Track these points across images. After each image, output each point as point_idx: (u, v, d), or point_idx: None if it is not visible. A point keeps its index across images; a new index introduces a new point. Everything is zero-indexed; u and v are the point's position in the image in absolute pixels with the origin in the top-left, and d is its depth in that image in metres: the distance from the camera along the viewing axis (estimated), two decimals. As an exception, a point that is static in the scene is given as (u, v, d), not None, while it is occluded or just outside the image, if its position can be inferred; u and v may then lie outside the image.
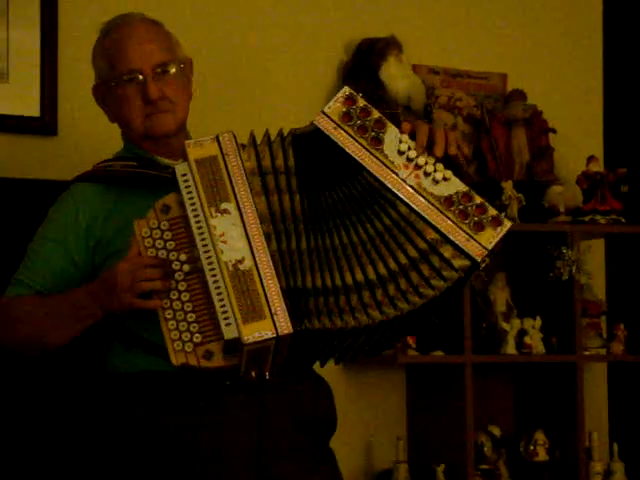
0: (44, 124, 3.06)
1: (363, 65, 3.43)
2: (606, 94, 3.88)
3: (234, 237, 2.04)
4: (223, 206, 2.06)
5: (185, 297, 2.06)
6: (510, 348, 3.48)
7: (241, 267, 2.03)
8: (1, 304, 2.22)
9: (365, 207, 2.09)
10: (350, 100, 2.14)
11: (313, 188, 2.11)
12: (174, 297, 2.06)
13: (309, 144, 2.14)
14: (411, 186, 2.08)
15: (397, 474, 3.36)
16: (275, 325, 2.00)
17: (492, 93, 3.69)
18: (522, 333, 3.51)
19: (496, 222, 2.07)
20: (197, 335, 2.04)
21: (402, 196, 2.08)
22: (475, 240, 2.05)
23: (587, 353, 3.54)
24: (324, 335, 2.06)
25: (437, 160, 2.10)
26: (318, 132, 2.12)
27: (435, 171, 2.09)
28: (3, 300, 2.23)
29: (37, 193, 2.88)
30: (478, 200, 2.08)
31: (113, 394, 2.22)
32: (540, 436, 3.52)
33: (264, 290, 2.02)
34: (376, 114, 2.13)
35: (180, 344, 2.03)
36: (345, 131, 2.12)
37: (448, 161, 2.12)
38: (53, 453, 2.70)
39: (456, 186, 2.09)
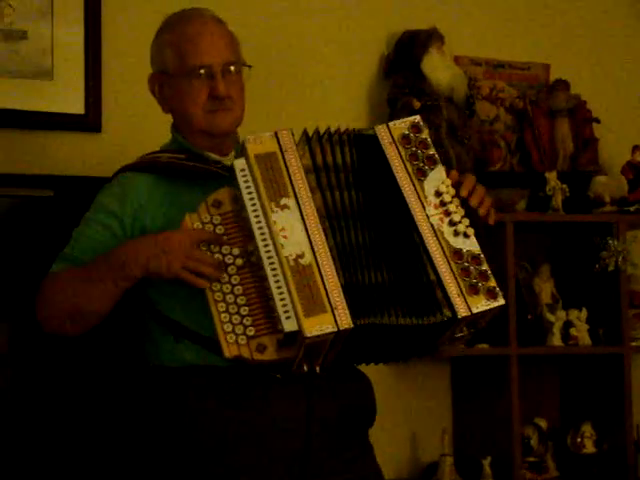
0: (88, 121, 3.08)
1: (405, 57, 3.42)
2: (651, 83, 3.85)
3: (294, 232, 2.07)
4: (283, 201, 2.09)
5: (238, 290, 2.08)
6: (556, 340, 3.46)
7: (301, 261, 2.06)
8: (44, 282, 2.21)
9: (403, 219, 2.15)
10: (416, 128, 2.21)
11: (365, 186, 2.15)
12: (227, 290, 2.07)
13: (364, 146, 2.19)
14: (432, 225, 2.14)
15: (443, 467, 3.35)
16: (336, 319, 2.03)
17: (535, 83, 3.67)
18: (568, 325, 3.49)
19: (491, 294, 2.11)
20: (250, 328, 2.06)
21: (420, 229, 2.13)
22: (465, 299, 2.09)
23: (634, 344, 3.52)
24: (381, 331, 2.09)
25: (468, 216, 2.15)
26: (374, 139, 2.18)
27: (460, 223, 2.14)
28: (47, 278, 2.22)
29: (82, 190, 2.90)
30: (484, 267, 2.13)
31: (162, 388, 2.22)
32: (587, 428, 3.50)
33: (324, 284, 2.05)
34: (432, 151, 2.19)
35: (233, 336, 2.05)
36: (398, 150, 2.18)
37: (477, 219, 2.18)
38: (102, 446, 2.72)
39: (471, 245, 2.14)
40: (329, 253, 2.07)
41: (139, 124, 3.16)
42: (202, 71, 2.26)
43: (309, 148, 2.15)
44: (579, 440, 3.51)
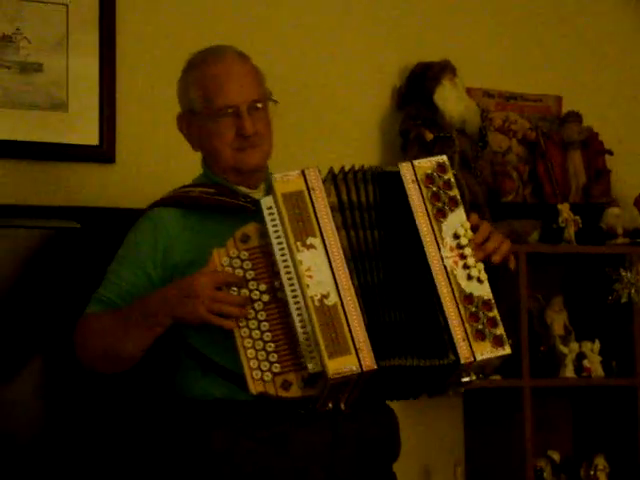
0: (103, 152, 3.09)
1: (417, 89, 3.44)
2: (662, 115, 3.86)
3: (320, 272, 2.08)
4: (309, 241, 2.09)
5: (264, 327, 2.08)
6: (569, 372, 3.45)
7: (326, 302, 2.06)
8: (80, 322, 2.25)
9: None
10: (441, 168, 2.19)
11: (386, 225, 2.16)
12: (253, 326, 2.08)
13: (387, 183, 2.19)
14: (445, 267, 2.13)
15: (456, 499, 3.34)
16: (360, 360, 2.04)
17: (547, 115, 3.68)
18: (581, 356, 3.48)
19: (498, 341, 2.11)
20: (276, 365, 2.07)
21: (432, 270, 2.13)
22: (470, 344, 2.09)
23: (647, 376, 3.51)
24: (397, 372, 2.10)
25: (484, 261, 2.15)
26: (398, 176, 2.18)
27: (474, 267, 2.14)
28: (82, 318, 2.26)
29: (97, 220, 2.91)
30: (494, 313, 2.12)
31: (188, 419, 2.24)
32: (600, 461, 3.49)
33: (348, 325, 2.05)
34: (455, 192, 2.18)
35: (259, 373, 2.06)
36: (420, 189, 2.17)
37: (493, 266, 2.17)
38: (129, 473, 2.75)
39: (483, 291, 2.13)
40: (354, 293, 2.08)
41: (153, 154, 3.18)
42: (229, 111, 2.28)
43: (335, 186, 2.15)
44: (592, 473, 3.50)
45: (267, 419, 2.16)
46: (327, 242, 2.09)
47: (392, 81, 3.52)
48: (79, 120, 3.08)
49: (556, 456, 3.51)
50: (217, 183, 2.33)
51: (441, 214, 2.16)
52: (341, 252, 2.10)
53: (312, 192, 2.12)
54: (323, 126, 3.42)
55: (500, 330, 2.11)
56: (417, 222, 2.15)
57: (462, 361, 2.09)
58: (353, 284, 2.08)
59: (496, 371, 3.33)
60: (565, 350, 3.46)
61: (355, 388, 2.08)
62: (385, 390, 2.20)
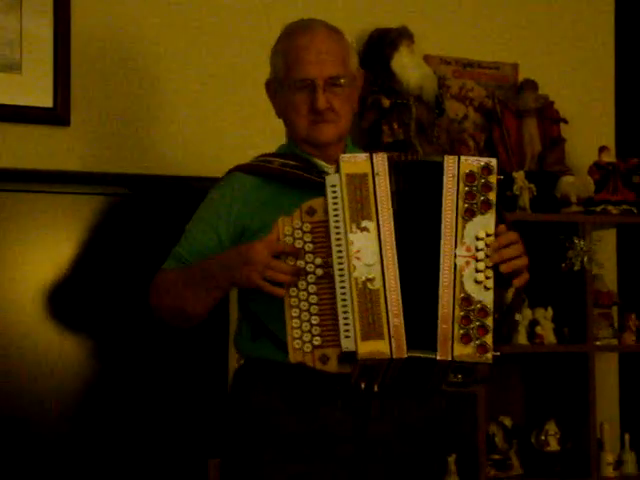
0: (57, 115, 3.06)
1: (375, 55, 3.43)
2: (618, 84, 3.88)
3: (369, 256, 2.11)
4: (364, 224, 2.12)
5: (313, 299, 2.13)
6: (521, 338, 3.48)
7: (370, 286, 2.10)
8: (156, 277, 2.35)
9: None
10: (487, 169, 2.18)
11: (421, 214, 2.17)
12: (303, 297, 2.13)
13: (423, 173, 2.20)
14: (455, 264, 2.14)
15: (409, 464, 3.37)
16: (391, 347, 2.08)
17: (503, 83, 3.69)
18: (533, 323, 3.51)
19: (482, 349, 2.11)
20: (317, 338, 2.12)
21: (440, 265, 2.13)
22: (452, 345, 2.10)
23: (598, 343, 3.55)
24: (434, 365, 2.13)
25: (496, 269, 2.15)
26: (438, 166, 2.18)
27: (483, 272, 2.14)
28: (159, 272, 2.36)
29: (51, 184, 2.90)
30: (488, 322, 2.12)
31: (237, 377, 2.39)
32: (551, 426, 3.53)
33: (387, 312, 2.09)
34: (492, 196, 2.16)
35: (300, 343, 2.12)
36: (457, 185, 2.16)
37: (502, 276, 2.17)
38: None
39: (485, 298, 2.13)
40: (398, 282, 2.11)
41: (107, 118, 3.15)
42: (305, 84, 2.33)
43: (396, 174, 2.16)
44: (543, 438, 3.54)
45: (304, 387, 2.23)
46: (381, 228, 2.13)
47: (349, 47, 3.50)
48: (33, 82, 3.04)
49: (508, 422, 3.54)
50: (297, 155, 2.38)
51: (470, 213, 2.15)
52: (393, 239, 2.12)
53: (376, 177, 2.14)
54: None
55: (488, 339, 2.11)
56: (443, 215, 2.15)
57: (438, 357, 2.10)
58: (399, 272, 2.11)
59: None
60: (518, 317, 3.49)
61: (388, 372, 2.12)
62: (428, 381, 2.22)
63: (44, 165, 3.00)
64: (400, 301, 2.10)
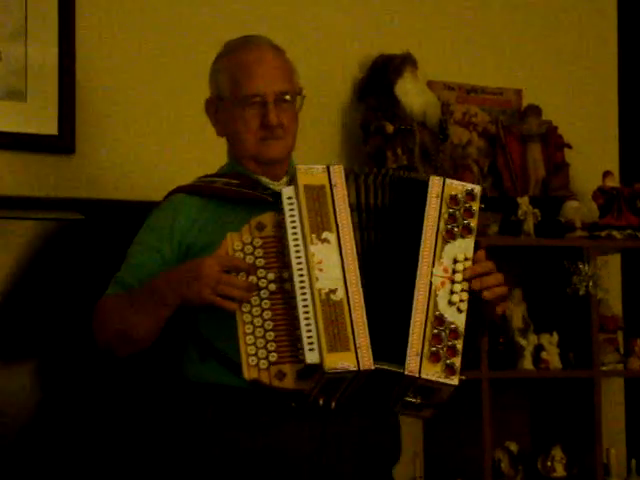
0: (61, 143, 3.07)
1: (378, 81, 3.44)
2: (621, 109, 3.88)
3: (331, 267, 2.09)
4: (325, 235, 2.11)
5: (267, 315, 2.09)
6: (527, 364, 3.47)
7: (333, 297, 2.08)
8: (97, 304, 2.28)
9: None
10: (470, 196, 2.20)
11: (397, 229, 2.17)
12: (256, 313, 2.09)
13: (410, 189, 2.20)
14: (431, 283, 2.13)
15: (414, 490, 3.36)
16: (358, 359, 2.05)
17: (507, 109, 3.69)
18: (539, 348, 3.51)
19: (450, 370, 2.10)
20: (273, 354, 2.07)
21: (416, 281, 2.12)
22: (420, 361, 2.08)
23: (604, 368, 3.54)
24: (399, 380, 2.11)
25: (471, 293, 2.14)
26: (422, 185, 2.18)
27: (458, 294, 2.13)
28: (100, 300, 2.29)
29: (54, 211, 2.90)
30: (458, 345, 2.11)
31: (185, 402, 2.29)
32: (557, 452, 3.52)
33: (352, 323, 2.06)
34: (473, 223, 2.18)
35: (255, 359, 2.07)
36: (440, 206, 2.17)
37: (479, 300, 2.17)
38: (123, 451, 2.85)
39: (456, 320, 2.12)
40: (361, 293, 2.09)
41: (112, 145, 3.16)
42: (255, 99, 2.31)
43: (356, 187, 2.17)
44: (549, 464, 3.52)
45: (258, 408, 2.18)
46: (342, 239, 2.11)
47: (353, 73, 3.52)
48: (38, 109, 3.05)
49: (514, 447, 3.53)
50: (240, 173, 2.36)
51: (450, 236, 2.16)
52: (354, 251, 2.11)
53: (334, 188, 2.14)
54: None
55: (457, 361, 2.10)
56: (423, 234, 2.15)
57: (406, 372, 2.08)
58: (361, 284, 2.09)
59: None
60: (523, 342, 3.49)
61: (348, 387, 2.09)
62: (362, 393, 2.18)
63: (49, 193, 3.01)
64: (364, 312, 2.07)
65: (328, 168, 2.15)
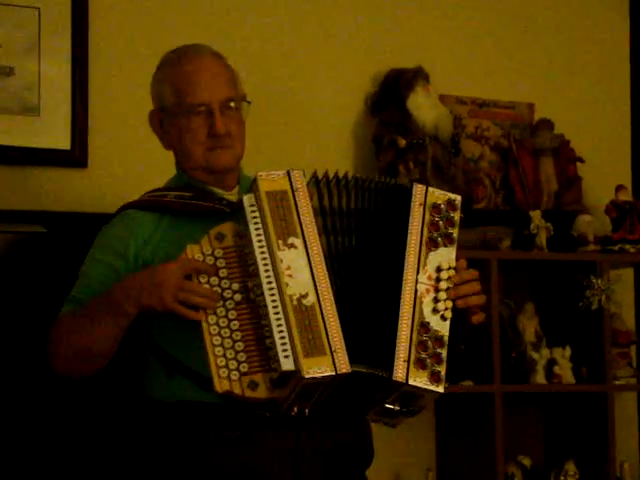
0: (74, 157, 3.08)
1: (390, 95, 3.45)
2: (634, 123, 3.87)
3: (300, 272, 2.06)
4: (291, 240, 2.08)
5: (234, 325, 2.06)
6: (540, 378, 3.46)
7: (304, 302, 2.05)
8: (52, 327, 2.21)
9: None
10: (451, 205, 2.20)
11: (369, 234, 2.16)
12: (223, 324, 2.06)
13: (390, 195, 2.20)
14: (416, 290, 2.13)
15: (427, 505, 3.35)
16: (334, 363, 2.03)
17: (519, 122, 3.69)
18: (551, 363, 3.50)
19: (435, 377, 2.10)
20: (244, 364, 2.05)
21: (402, 288, 2.12)
22: (408, 369, 2.08)
23: (617, 383, 3.52)
24: (383, 384, 2.09)
25: (454, 300, 2.15)
26: (404, 190, 2.19)
27: (443, 302, 2.14)
28: (54, 322, 2.23)
29: (68, 226, 2.90)
30: (443, 352, 2.11)
31: (153, 422, 2.23)
32: (571, 466, 3.50)
33: (325, 327, 2.04)
34: (454, 232, 2.19)
35: (226, 371, 2.04)
36: (423, 215, 2.17)
37: (460, 311, 2.17)
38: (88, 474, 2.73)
39: (442, 328, 2.13)
40: (332, 296, 2.07)
41: (125, 159, 3.17)
42: (201, 109, 2.26)
43: (318, 190, 2.15)
44: (563, 478, 3.51)
45: (231, 422, 2.14)
46: (308, 243, 2.09)
47: (365, 87, 3.52)
48: (51, 124, 3.07)
49: (527, 462, 3.52)
50: (191, 185, 2.31)
51: (433, 244, 2.16)
52: (321, 254, 2.09)
53: (296, 193, 2.11)
54: (297, 131, 3.42)
55: (442, 369, 2.10)
56: (407, 241, 2.15)
57: (394, 378, 2.07)
58: (331, 287, 2.07)
59: (468, 376, 3.34)
60: (536, 356, 3.48)
61: (323, 393, 2.07)
62: (338, 398, 2.16)
63: (62, 207, 3.02)
64: (337, 316, 2.05)
65: (289, 173, 2.13)
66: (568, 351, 3.50)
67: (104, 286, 2.19)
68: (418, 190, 2.19)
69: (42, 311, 2.32)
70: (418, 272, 2.14)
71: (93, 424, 2.73)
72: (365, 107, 3.52)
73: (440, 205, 2.19)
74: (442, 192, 2.21)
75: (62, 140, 3.07)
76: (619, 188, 3.61)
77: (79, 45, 3.10)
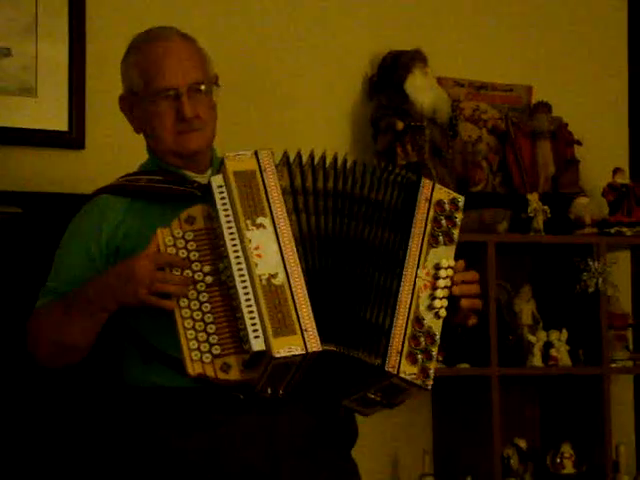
0: (72, 138, 3.08)
1: (388, 78, 3.44)
2: (631, 106, 3.88)
3: (269, 252, 2.05)
4: (259, 220, 2.07)
5: (206, 308, 2.06)
6: (536, 360, 3.47)
7: (274, 282, 2.04)
8: (31, 317, 2.23)
9: (390, 262, 2.15)
10: (454, 205, 2.21)
11: (344, 214, 2.15)
12: (195, 307, 2.06)
13: (361, 177, 2.18)
14: (414, 285, 2.13)
15: (423, 487, 3.36)
16: (305, 342, 2.01)
17: (517, 105, 3.69)
18: (548, 345, 3.51)
19: (424, 373, 2.10)
20: (216, 347, 2.04)
21: (402, 280, 2.12)
22: (400, 361, 2.08)
23: (613, 365, 3.53)
24: (363, 367, 2.09)
25: (450, 299, 2.15)
26: (414, 185, 2.19)
27: (439, 300, 2.14)
28: (33, 314, 2.24)
29: (65, 207, 2.90)
30: (434, 350, 2.11)
31: (129, 408, 2.23)
32: (567, 449, 3.51)
33: (295, 306, 2.03)
34: (455, 232, 2.19)
35: (198, 354, 2.03)
36: (428, 210, 2.18)
37: (455, 305, 2.17)
38: (67, 464, 2.72)
39: (435, 325, 2.13)
40: (302, 275, 2.06)
41: (123, 141, 3.15)
42: (169, 93, 2.25)
43: (289, 170, 2.14)
44: (558, 460, 3.52)
45: (207, 406, 2.13)
46: (277, 223, 2.08)
47: (363, 70, 3.52)
48: (48, 106, 3.06)
49: (523, 444, 3.53)
50: (163, 169, 2.31)
51: (435, 240, 2.17)
52: (290, 234, 2.08)
53: (264, 173, 2.10)
54: (294, 114, 3.42)
55: (431, 366, 2.10)
56: (411, 233, 2.15)
57: (386, 368, 2.07)
58: (301, 266, 2.06)
59: (464, 360, 3.35)
60: (533, 339, 3.49)
61: (296, 373, 2.06)
62: (317, 380, 2.16)
63: (59, 188, 3.02)
64: (307, 295, 2.04)
65: (256, 153, 2.12)
66: (565, 334, 3.51)
67: (78, 273, 2.20)
68: (426, 184, 2.20)
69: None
70: (418, 266, 2.14)
71: (71, 410, 2.71)
72: (363, 90, 3.51)
73: (445, 203, 2.20)
74: (447, 190, 2.22)
75: (60, 121, 3.07)
76: (616, 171, 3.61)
77: (77, 26, 3.09)
